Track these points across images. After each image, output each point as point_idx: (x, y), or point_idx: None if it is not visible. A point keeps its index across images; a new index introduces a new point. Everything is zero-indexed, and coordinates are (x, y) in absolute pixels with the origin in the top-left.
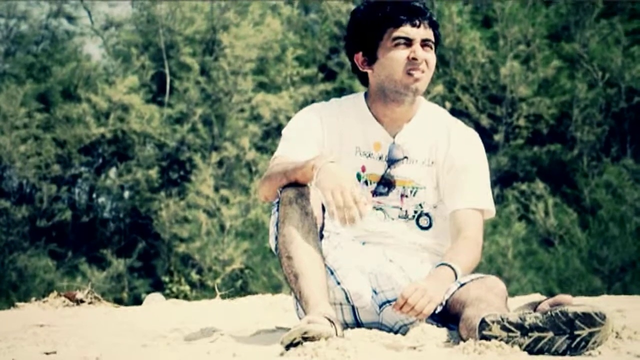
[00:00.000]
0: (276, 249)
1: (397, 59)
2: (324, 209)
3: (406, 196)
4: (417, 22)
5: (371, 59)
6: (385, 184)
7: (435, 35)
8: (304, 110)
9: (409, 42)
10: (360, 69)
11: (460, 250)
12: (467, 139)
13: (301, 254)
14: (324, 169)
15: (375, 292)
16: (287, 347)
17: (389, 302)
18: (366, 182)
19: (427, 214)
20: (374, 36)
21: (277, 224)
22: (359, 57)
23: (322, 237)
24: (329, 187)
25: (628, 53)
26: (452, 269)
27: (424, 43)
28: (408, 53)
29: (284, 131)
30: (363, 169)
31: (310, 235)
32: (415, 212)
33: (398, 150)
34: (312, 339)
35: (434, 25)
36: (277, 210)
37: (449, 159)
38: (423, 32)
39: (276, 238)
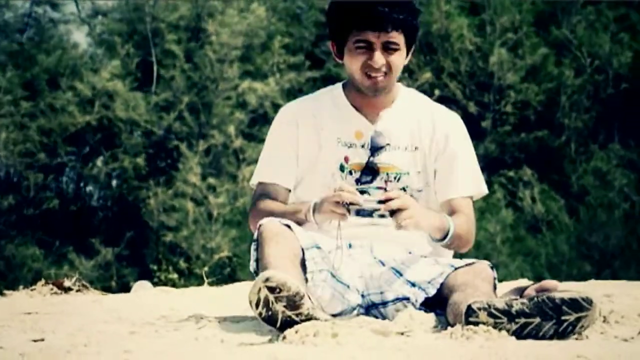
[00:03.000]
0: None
1: (355, 62)
2: (303, 252)
3: (390, 181)
4: (380, 28)
5: (340, 53)
6: (369, 172)
7: (408, 31)
8: (278, 120)
9: (369, 46)
10: (335, 57)
11: (458, 217)
12: (452, 122)
13: (278, 267)
14: (316, 213)
15: (362, 295)
16: (257, 305)
17: (375, 305)
18: (350, 172)
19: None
20: (341, 35)
21: (256, 259)
22: (331, 46)
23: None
24: (329, 215)
25: (616, 39)
26: (448, 221)
27: (387, 46)
28: (366, 57)
29: (263, 150)
30: (346, 160)
31: (289, 260)
32: None
33: (380, 138)
34: (277, 290)
35: (404, 25)
36: (257, 243)
37: (435, 144)
38: (386, 36)
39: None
